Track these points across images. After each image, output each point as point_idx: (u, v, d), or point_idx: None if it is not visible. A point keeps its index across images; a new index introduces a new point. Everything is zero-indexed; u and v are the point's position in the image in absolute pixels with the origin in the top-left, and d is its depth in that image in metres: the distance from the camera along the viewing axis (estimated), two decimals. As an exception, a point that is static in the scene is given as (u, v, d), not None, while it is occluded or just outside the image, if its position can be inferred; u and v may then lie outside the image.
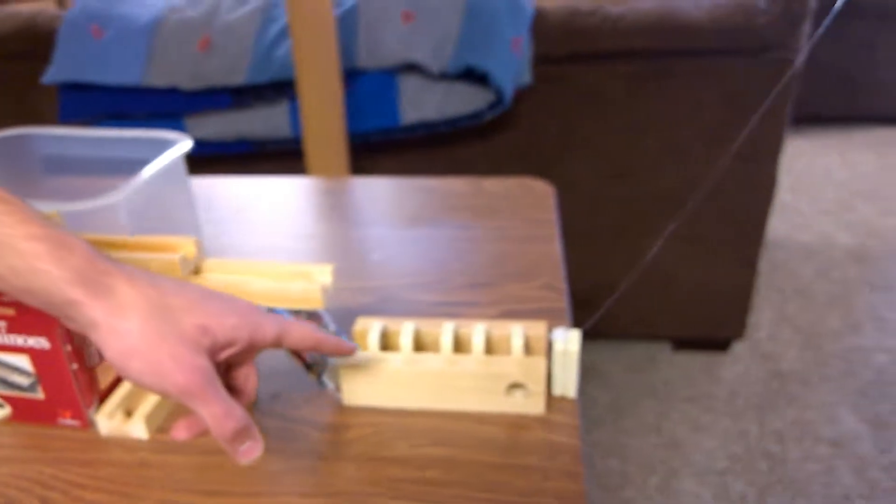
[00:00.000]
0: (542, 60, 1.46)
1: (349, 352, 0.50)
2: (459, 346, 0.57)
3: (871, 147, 2.88)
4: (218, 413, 0.40)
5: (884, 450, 1.47)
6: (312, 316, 0.58)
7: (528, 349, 0.57)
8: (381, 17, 1.42)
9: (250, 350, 0.45)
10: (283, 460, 0.51)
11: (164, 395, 0.41)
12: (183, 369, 0.39)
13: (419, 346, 0.57)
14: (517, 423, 0.54)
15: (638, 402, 1.61)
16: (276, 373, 0.58)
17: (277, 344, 0.45)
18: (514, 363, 0.54)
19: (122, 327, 0.39)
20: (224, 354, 0.43)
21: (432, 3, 1.39)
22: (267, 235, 0.86)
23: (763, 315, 1.89)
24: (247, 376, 0.47)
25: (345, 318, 0.60)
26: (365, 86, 1.45)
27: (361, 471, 0.50)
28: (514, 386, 0.55)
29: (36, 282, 0.38)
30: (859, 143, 2.92)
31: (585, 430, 1.52)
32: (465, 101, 1.42)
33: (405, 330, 0.56)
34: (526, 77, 1.44)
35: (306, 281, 0.56)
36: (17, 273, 0.38)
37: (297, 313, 0.56)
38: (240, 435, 0.42)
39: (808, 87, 2.96)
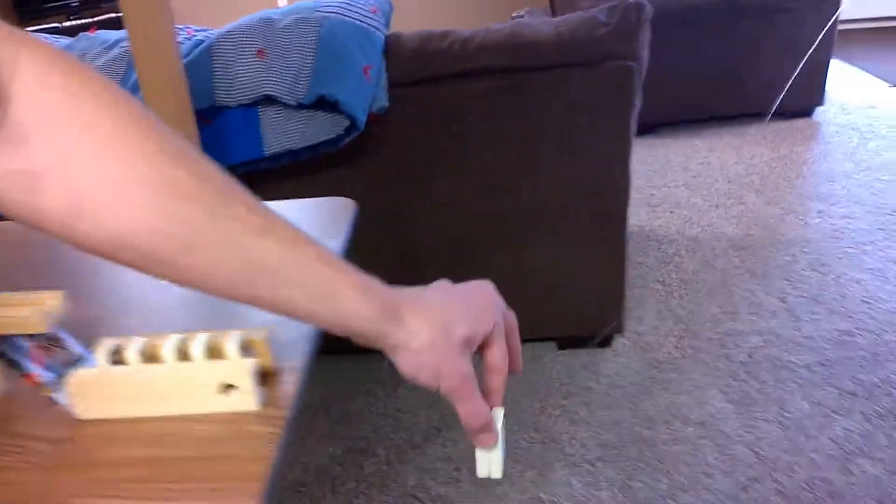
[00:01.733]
0: (400, 84, 1.53)
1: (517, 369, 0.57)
2: (183, 355, 0.62)
3: (763, 141, 3.00)
4: (473, 411, 0.50)
5: (747, 426, 1.54)
6: (51, 339, 0.63)
7: (247, 352, 0.62)
8: (236, 55, 1.48)
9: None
10: (7, 474, 0.56)
11: (435, 389, 0.50)
12: (455, 376, 0.49)
13: (150, 357, 0.62)
14: (231, 419, 0.60)
15: (519, 401, 1.67)
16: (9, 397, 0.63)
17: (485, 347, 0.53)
18: (222, 366, 0.59)
19: (415, 348, 0.48)
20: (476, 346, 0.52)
21: (284, 40, 1.46)
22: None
23: (648, 308, 1.97)
24: (496, 380, 0.54)
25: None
26: (228, 121, 1.51)
27: (75, 476, 0.55)
28: (229, 387, 0.60)
29: (355, 323, 0.47)
30: (753, 137, 3.05)
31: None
32: (324, 128, 1.48)
33: (133, 344, 0.61)
34: (383, 101, 1.51)
35: (34, 308, 0.61)
36: (340, 315, 0.47)
37: (32, 337, 0.61)
38: (484, 428, 0.52)
39: (700, 87, 3.10)
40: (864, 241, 2.18)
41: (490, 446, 0.53)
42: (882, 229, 2.24)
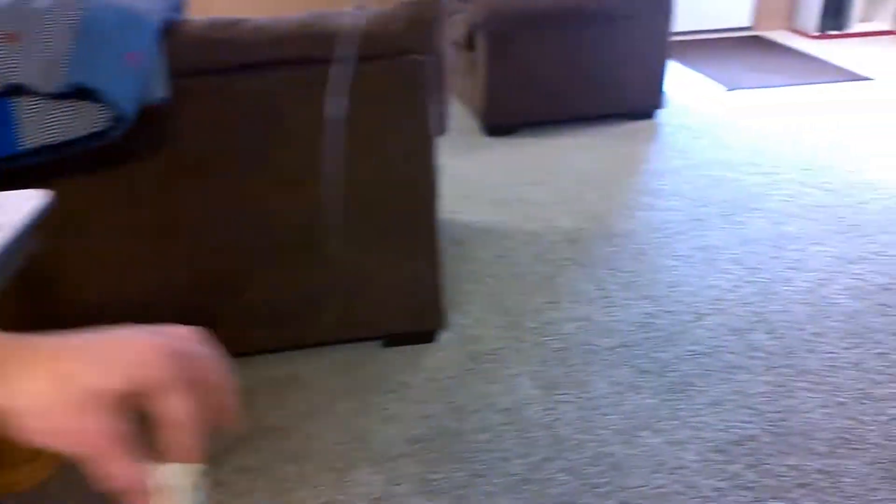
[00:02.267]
0: (183, 73, 1.50)
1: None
2: None
3: (610, 141, 3.17)
4: (113, 472, 0.39)
5: (548, 409, 1.64)
6: None
7: None
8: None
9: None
10: None
11: (70, 449, 0.40)
12: (85, 435, 0.39)
13: None
14: None
15: (335, 403, 1.71)
16: None
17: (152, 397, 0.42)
18: None
19: (33, 411, 0.38)
20: (117, 404, 0.41)
21: (40, 24, 1.38)
22: None
23: (477, 302, 2.06)
24: (180, 406, 0.42)
25: None
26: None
27: None
28: None
29: None
30: (601, 137, 3.21)
31: (272, 440, 1.61)
32: (89, 120, 1.41)
33: None
34: (159, 92, 1.48)
35: None
36: None
37: None
38: (130, 492, 0.40)
39: (558, 90, 3.24)
40: (679, 231, 2.35)
41: None
42: (696, 220, 2.41)
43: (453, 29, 3.39)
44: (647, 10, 3.15)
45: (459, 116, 3.60)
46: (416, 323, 1.87)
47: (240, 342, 1.82)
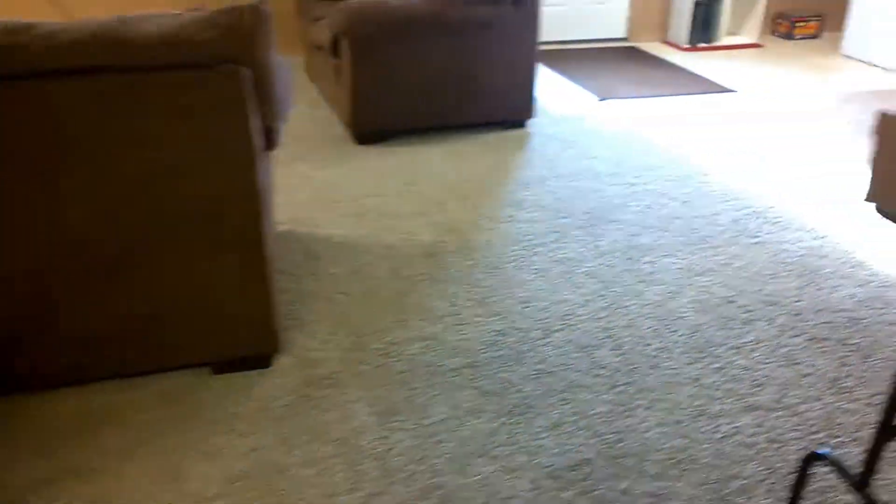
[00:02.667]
0: None
1: None
2: None
3: (481, 150, 3.13)
4: None
5: (383, 437, 1.55)
6: None
7: None
8: None
9: None
10: None
11: None
12: None
13: None
14: None
15: (153, 438, 1.55)
16: None
17: None
18: None
19: None
20: None
21: None
22: None
23: (324, 321, 1.94)
24: None
25: None
26: None
27: None
28: None
29: None
30: (473, 146, 3.16)
31: (75, 483, 1.44)
32: None
33: None
34: None
35: None
36: None
37: None
38: None
39: (421, 97, 3.16)
40: (538, 244, 2.31)
41: None
42: (556, 232, 2.39)
43: (319, 34, 3.27)
44: (513, 19, 3.13)
45: (331, 124, 3.48)
46: (248, 347, 1.74)
47: (52, 373, 1.63)
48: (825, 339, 1.85)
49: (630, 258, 2.23)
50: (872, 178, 0.91)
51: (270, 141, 1.68)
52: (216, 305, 1.66)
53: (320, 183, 2.82)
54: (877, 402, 1.64)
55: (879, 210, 0.93)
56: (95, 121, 1.43)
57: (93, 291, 1.56)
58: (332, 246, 2.33)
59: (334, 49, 3.07)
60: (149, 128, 1.46)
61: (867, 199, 0.90)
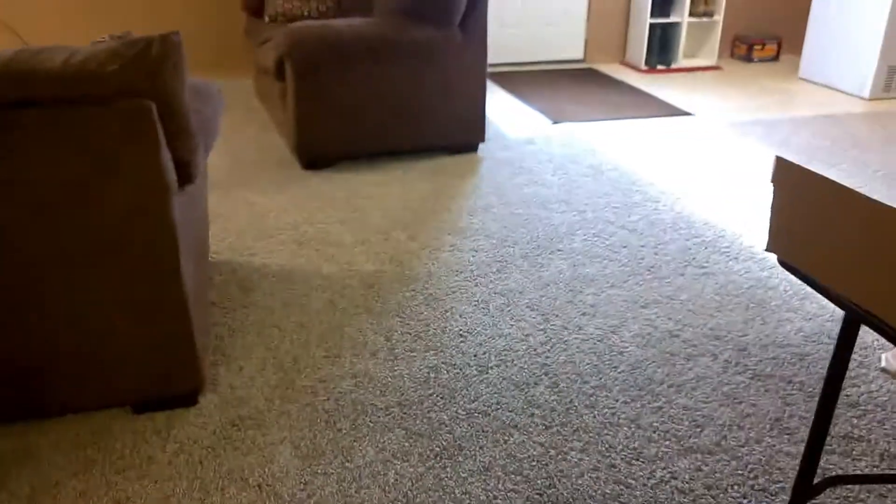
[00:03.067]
0: None
1: None
2: None
3: (427, 176, 3.08)
4: None
5: (305, 482, 1.47)
6: None
7: None
8: None
9: None
10: None
11: None
12: None
13: None
14: None
15: (63, 483, 1.46)
16: None
17: None
18: None
19: None
20: None
21: None
22: None
23: (254, 356, 1.86)
24: None
25: None
26: None
27: None
28: None
29: None
30: (420, 172, 3.11)
31: (-40, 534, 1.34)
32: None
33: None
34: None
35: None
36: None
37: None
38: None
39: (368, 121, 3.11)
40: (480, 274, 2.26)
41: None
42: (499, 261, 2.34)
43: (265, 57, 3.20)
44: (460, 43, 3.10)
45: (278, 148, 3.41)
46: (170, 386, 1.65)
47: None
48: (769, 377, 1.81)
49: (573, 289, 2.18)
50: (770, 228, 0.88)
51: (187, 175, 1.60)
52: (134, 345, 1.57)
53: (262, 209, 2.74)
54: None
55: (780, 262, 0.90)
56: (-6, 151, 1.34)
57: (2, 328, 1.47)
58: (267, 276, 2.26)
59: (279, 72, 3.00)
60: (50, 162, 1.38)
61: (767, 249, 0.87)
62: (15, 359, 1.52)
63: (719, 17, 4.98)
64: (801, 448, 1.58)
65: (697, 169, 3.18)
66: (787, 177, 0.84)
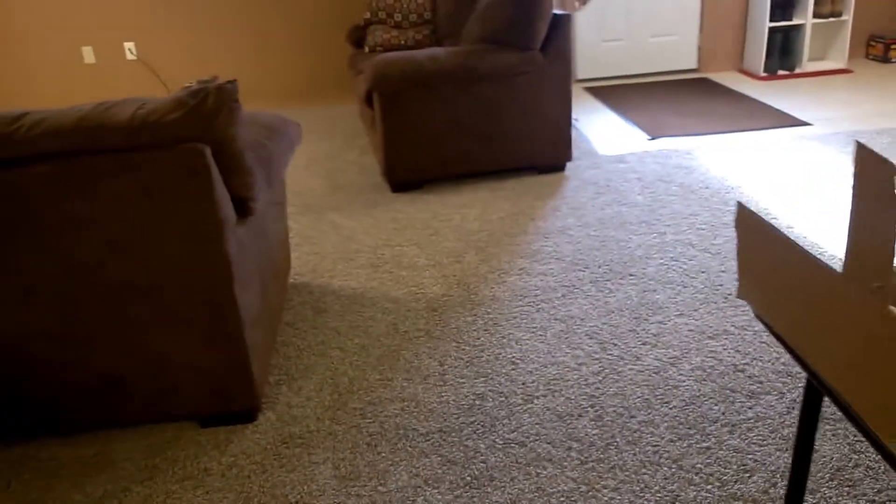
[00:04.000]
0: None
1: None
2: None
3: (510, 196, 3.09)
4: None
5: (337, 503, 1.54)
6: None
7: None
8: None
9: None
10: None
11: None
12: None
13: None
14: None
15: (132, 488, 1.61)
16: None
17: None
18: None
19: None
20: None
21: None
22: None
23: (314, 377, 1.96)
24: None
25: None
26: None
27: None
28: None
29: None
30: (503, 193, 3.13)
31: (34, 531, 1.51)
32: None
33: None
34: None
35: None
36: None
37: None
38: None
39: (452, 144, 3.17)
40: (544, 300, 2.25)
41: None
42: (566, 286, 2.31)
43: (359, 86, 3.35)
44: (543, 65, 3.09)
45: (372, 172, 3.55)
46: (230, 404, 1.78)
47: (52, 419, 1.74)
48: (839, 421, 1.68)
49: (638, 317, 2.12)
50: (739, 275, 0.82)
51: (245, 208, 1.73)
52: (193, 363, 1.71)
53: (348, 232, 2.87)
54: (884, 499, 1.47)
55: (755, 314, 0.84)
56: (63, 201, 1.52)
57: (72, 351, 1.66)
58: (340, 298, 2.36)
59: (368, 101, 3.13)
60: (119, 202, 1.54)
61: (739, 297, 0.82)
62: (97, 374, 1.70)
63: (848, 17, 4.61)
64: (863, 502, 1.45)
65: (801, 185, 2.97)
66: (748, 226, 0.81)
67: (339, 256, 2.67)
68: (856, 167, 0.59)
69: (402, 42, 4.08)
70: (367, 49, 4.10)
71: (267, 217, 2.08)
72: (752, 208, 2.78)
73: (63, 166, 1.51)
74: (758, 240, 0.80)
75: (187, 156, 1.53)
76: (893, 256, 0.61)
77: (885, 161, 0.56)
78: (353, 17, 4.89)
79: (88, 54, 4.80)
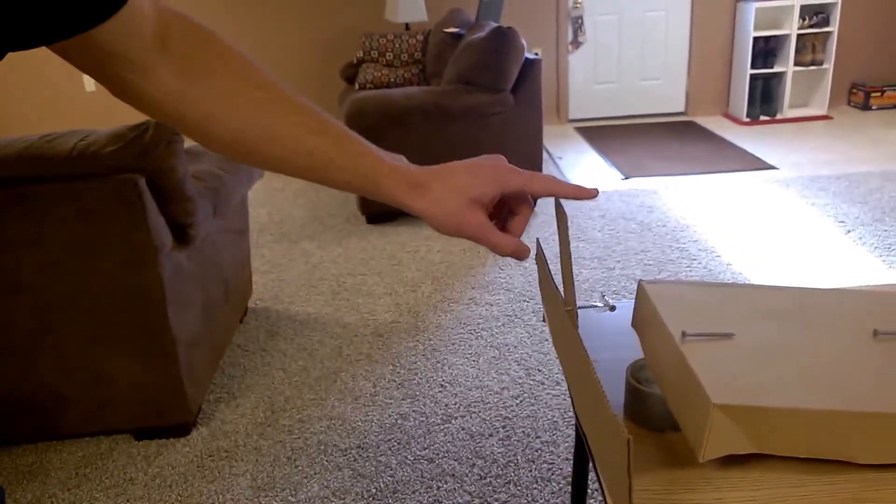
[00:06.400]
0: None
1: (590, 195, 0.65)
2: None
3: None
4: (498, 241, 0.63)
5: (247, 512, 1.62)
6: None
7: None
8: None
9: (508, 196, 0.65)
10: None
11: (465, 237, 0.63)
12: (473, 225, 0.62)
13: None
14: None
15: (59, 496, 1.71)
16: None
17: (525, 189, 0.63)
18: None
19: (439, 211, 0.61)
20: (490, 205, 0.64)
21: None
22: None
23: (253, 395, 2.06)
24: (518, 221, 0.66)
25: None
26: None
27: None
28: None
29: (390, 195, 0.62)
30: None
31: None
32: None
33: None
34: None
35: None
36: (378, 191, 0.62)
37: None
38: (515, 251, 0.64)
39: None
40: (486, 328, 2.33)
41: (526, 256, 0.65)
42: (508, 316, 2.39)
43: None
44: (515, 106, 3.22)
45: (352, 204, 3.68)
46: (163, 418, 1.89)
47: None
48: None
49: (569, 345, 2.19)
50: (544, 306, 0.90)
51: (185, 235, 1.86)
52: (127, 378, 1.83)
53: (316, 261, 2.99)
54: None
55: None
56: (7, 224, 1.67)
57: (13, 365, 1.78)
58: (294, 323, 2.47)
59: (342, 136, 3.28)
60: (59, 226, 1.68)
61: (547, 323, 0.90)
62: (34, 388, 1.82)
63: (829, 66, 4.69)
64: None
65: (750, 226, 3.03)
66: (541, 261, 0.86)
67: (302, 283, 2.79)
68: (557, 220, 0.72)
69: (392, 80, 4.25)
70: (357, 86, 4.28)
71: (219, 244, 2.21)
72: (701, 246, 2.84)
73: (8, 192, 1.65)
74: (544, 275, 0.86)
75: (121, 185, 1.67)
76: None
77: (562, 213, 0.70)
78: (347, 54, 5.09)
79: (89, 83, 5.05)
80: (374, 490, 1.65)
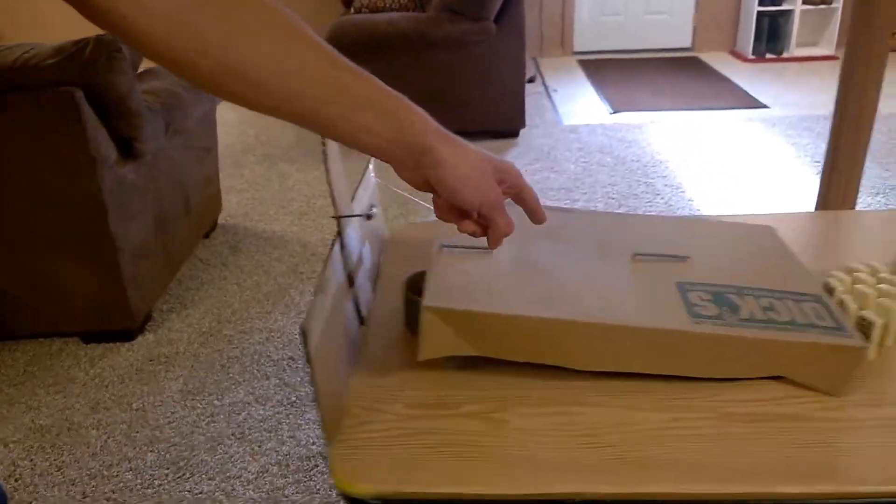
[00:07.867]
0: None
1: (538, 220, 0.68)
2: None
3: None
4: (506, 221, 0.63)
5: (172, 412, 1.70)
6: None
7: None
8: None
9: (511, 189, 0.65)
10: None
11: (476, 207, 0.62)
12: (496, 195, 0.61)
13: None
14: None
15: (4, 389, 1.82)
16: None
17: (521, 186, 0.65)
18: None
19: (461, 165, 0.59)
20: (503, 189, 0.64)
21: None
22: None
23: (207, 306, 2.12)
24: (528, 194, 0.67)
25: None
26: None
27: None
28: None
29: (413, 138, 0.57)
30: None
31: None
32: None
33: None
34: None
35: None
36: (401, 131, 0.57)
37: None
38: (499, 239, 0.65)
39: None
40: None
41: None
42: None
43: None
44: (497, 35, 3.16)
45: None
46: (109, 323, 1.96)
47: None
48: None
49: (514, 273, 2.21)
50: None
51: (132, 148, 1.89)
52: (73, 283, 1.90)
53: (292, 183, 3.02)
54: None
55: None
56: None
57: (-34, 261, 1.86)
58: (259, 240, 2.53)
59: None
60: (2, 137, 1.73)
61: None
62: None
63: (838, 5, 4.49)
64: None
65: (722, 163, 2.98)
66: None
67: (272, 203, 2.83)
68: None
69: (387, 4, 4.18)
70: (352, 10, 4.22)
71: (178, 160, 2.25)
72: (668, 182, 2.81)
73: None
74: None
75: (59, 98, 1.70)
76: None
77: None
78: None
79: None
80: (294, 398, 1.72)
